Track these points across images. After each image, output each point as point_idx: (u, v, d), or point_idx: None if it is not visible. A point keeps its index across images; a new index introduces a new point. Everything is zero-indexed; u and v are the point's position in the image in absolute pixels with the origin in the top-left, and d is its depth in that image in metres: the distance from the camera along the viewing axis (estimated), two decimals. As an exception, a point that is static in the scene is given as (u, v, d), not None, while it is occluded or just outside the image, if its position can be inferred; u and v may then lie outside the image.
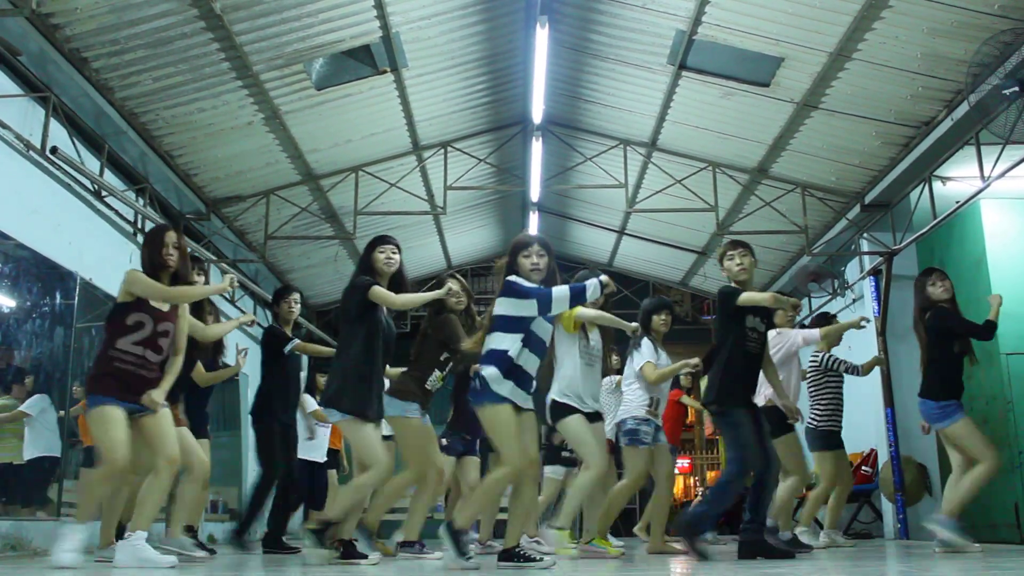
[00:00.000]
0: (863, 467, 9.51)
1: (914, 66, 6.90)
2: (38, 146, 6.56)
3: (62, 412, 6.85)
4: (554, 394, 5.30)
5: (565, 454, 6.94)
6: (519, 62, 8.95)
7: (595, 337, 5.44)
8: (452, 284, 5.37)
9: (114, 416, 4.26)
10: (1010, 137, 6.13)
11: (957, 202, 7.79)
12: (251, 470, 11.05)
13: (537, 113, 9.38)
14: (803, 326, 7.27)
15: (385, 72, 8.11)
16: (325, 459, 8.08)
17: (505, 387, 4.05)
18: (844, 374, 6.74)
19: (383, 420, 4.75)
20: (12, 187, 6.34)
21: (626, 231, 12.54)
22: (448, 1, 7.58)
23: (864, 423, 9.31)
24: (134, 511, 4.42)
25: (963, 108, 6.79)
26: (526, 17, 8.15)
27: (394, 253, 4.74)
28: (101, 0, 6.06)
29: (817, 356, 6.74)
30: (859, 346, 9.09)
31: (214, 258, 9.16)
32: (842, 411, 6.75)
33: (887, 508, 9.06)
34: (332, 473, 8.45)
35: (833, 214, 9.61)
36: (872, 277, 9.44)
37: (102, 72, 6.78)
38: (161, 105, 7.43)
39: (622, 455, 5.89)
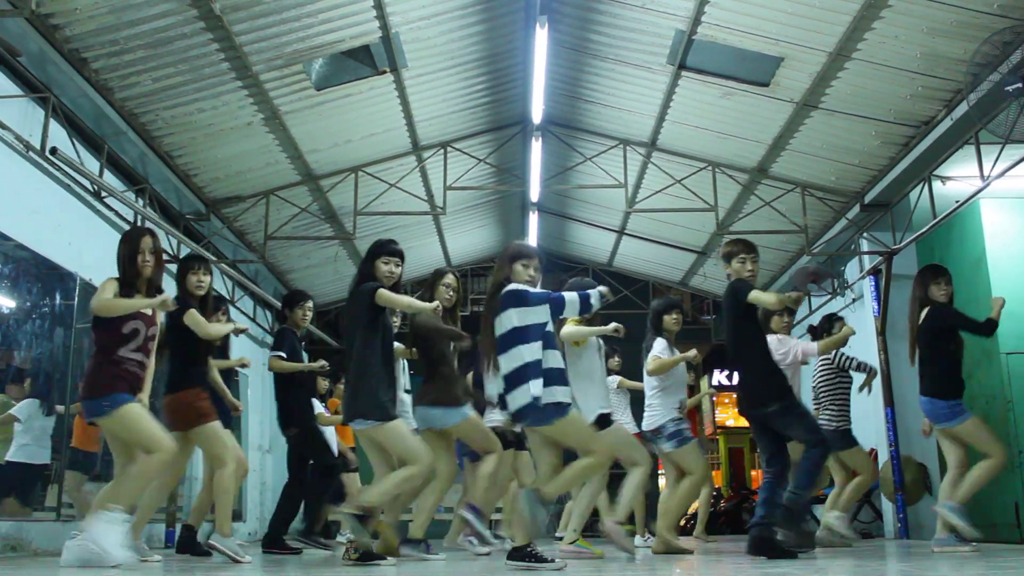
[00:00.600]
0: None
1: (914, 66, 6.90)
2: (38, 147, 6.56)
3: (61, 408, 6.84)
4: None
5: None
6: (519, 62, 8.95)
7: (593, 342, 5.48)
8: (449, 278, 5.41)
9: (143, 410, 4.41)
10: (1010, 136, 6.12)
11: (957, 202, 7.79)
12: (252, 470, 11.06)
13: (537, 113, 9.38)
14: (812, 327, 7.27)
15: (385, 72, 8.11)
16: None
17: (559, 393, 4.02)
18: (854, 373, 6.81)
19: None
20: (12, 188, 6.34)
21: (626, 231, 12.54)
22: (448, 1, 7.58)
23: (864, 423, 9.29)
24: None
25: (963, 107, 6.79)
26: (526, 17, 8.15)
27: (397, 267, 4.79)
28: (101, 1, 6.06)
29: (829, 355, 6.78)
30: (859, 346, 9.08)
31: (214, 258, 9.16)
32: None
33: (887, 507, 9.06)
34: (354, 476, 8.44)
35: (833, 214, 9.61)
36: (872, 277, 9.45)
37: (102, 73, 6.78)
38: (161, 105, 7.43)
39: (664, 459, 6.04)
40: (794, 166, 9.07)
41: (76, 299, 7.01)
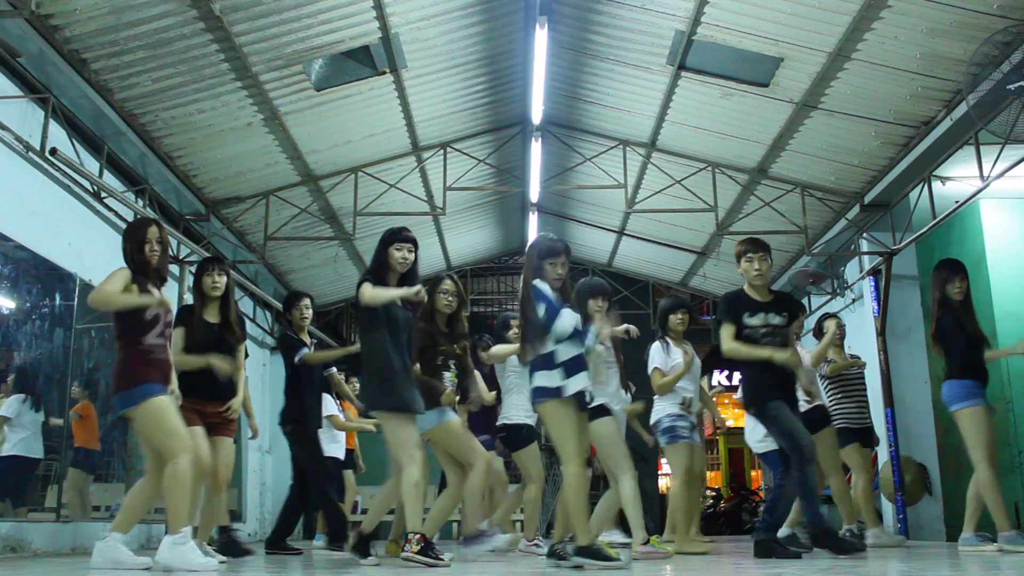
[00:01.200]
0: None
1: (913, 66, 6.91)
2: (37, 147, 6.56)
3: (59, 420, 6.83)
4: None
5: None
6: (518, 63, 8.95)
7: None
8: (447, 284, 5.26)
9: (171, 406, 4.32)
10: (1010, 136, 6.12)
11: (956, 202, 7.79)
12: (251, 471, 11.07)
13: (536, 114, 9.38)
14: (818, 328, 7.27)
15: (384, 73, 8.10)
16: (343, 458, 8.19)
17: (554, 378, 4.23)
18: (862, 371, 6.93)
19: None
20: (11, 188, 6.34)
21: (625, 231, 12.54)
22: (447, 2, 7.58)
23: (864, 423, 9.31)
24: (119, 512, 4.42)
25: (962, 108, 6.79)
26: (525, 18, 8.15)
27: (410, 252, 4.73)
28: (100, 1, 6.06)
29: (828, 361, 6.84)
30: (859, 346, 9.10)
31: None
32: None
33: (887, 508, 9.06)
34: (349, 473, 8.47)
35: (833, 214, 9.61)
36: (872, 277, 9.45)
37: (101, 73, 6.78)
38: (160, 106, 7.43)
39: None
40: (794, 166, 9.07)
41: (76, 300, 7.00)
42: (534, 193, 11.18)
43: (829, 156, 8.65)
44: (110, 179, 7.76)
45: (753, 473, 16.83)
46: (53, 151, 6.67)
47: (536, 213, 12.26)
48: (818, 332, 7.01)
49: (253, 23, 6.84)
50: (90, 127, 7.33)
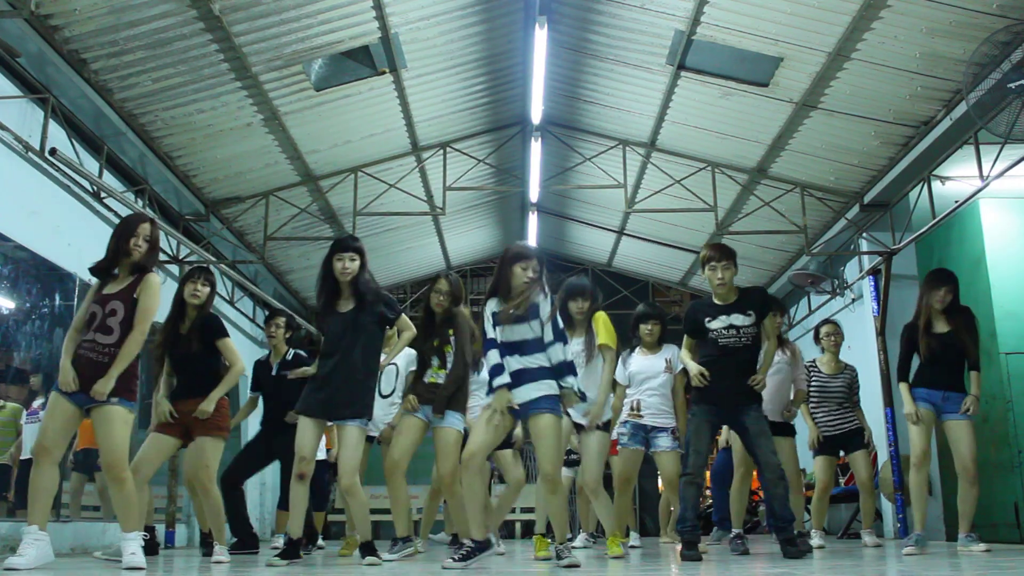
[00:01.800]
0: (855, 473, 9.50)
1: (913, 66, 6.91)
2: (37, 147, 6.56)
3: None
4: None
5: (572, 456, 7.04)
6: (518, 63, 8.95)
7: (574, 343, 5.48)
8: (440, 283, 5.44)
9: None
10: (1010, 135, 6.12)
11: (956, 201, 7.79)
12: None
13: (536, 113, 9.38)
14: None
15: (384, 73, 8.10)
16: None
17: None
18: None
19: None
20: (11, 188, 6.34)
21: (625, 231, 12.55)
22: (447, 2, 7.58)
23: (864, 423, 9.31)
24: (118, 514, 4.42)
25: (962, 107, 6.79)
26: (525, 18, 8.15)
27: (352, 261, 4.75)
28: (100, 1, 6.06)
29: (853, 372, 6.87)
30: (858, 346, 9.11)
31: (213, 259, 9.16)
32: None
33: (887, 508, 9.06)
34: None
35: (832, 214, 9.61)
36: (871, 277, 9.44)
37: (101, 73, 6.78)
38: (160, 106, 7.43)
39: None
40: (793, 166, 9.07)
41: (76, 300, 7.01)
42: (534, 193, 11.18)
43: (829, 156, 8.65)
44: (110, 179, 7.77)
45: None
46: (53, 151, 6.67)
47: (536, 213, 12.26)
48: (816, 338, 7.00)
49: (253, 23, 6.84)
50: (90, 127, 7.33)
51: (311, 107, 8.23)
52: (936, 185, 8.01)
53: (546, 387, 4.27)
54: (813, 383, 6.70)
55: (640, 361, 6.02)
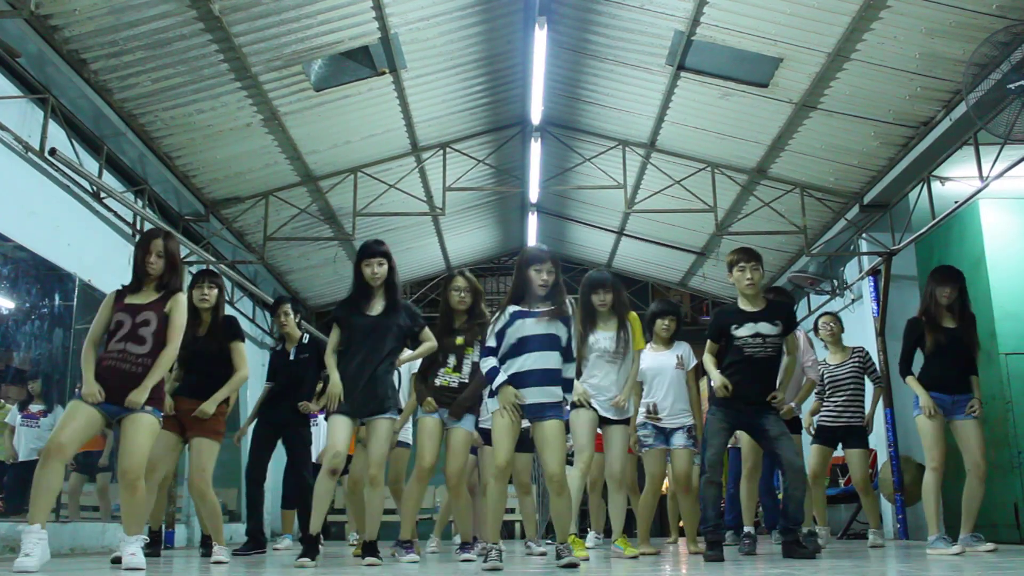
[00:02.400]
0: (851, 472, 9.50)
1: (912, 66, 6.91)
2: (37, 148, 6.56)
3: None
4: None
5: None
6: (518, 63, 8.95)
7: (603, 336, 5.47)
8: (459, 280, 5.43)
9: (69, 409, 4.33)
10: (1009, 136, 6.12)
11: (956, 202, 7.79)
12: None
13: (536, 114, 9.38)
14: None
15: (384, 73, 8.10)
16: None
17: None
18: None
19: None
20: (11, 189, 6.34)
21: (625, 232, 12.54)
22: (447, 2, 7.58)
23: (863, 423, 9.30)
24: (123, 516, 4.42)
25: (961, 108, 6.79)
26: (525, 18, 8.15)
27: (380, 266, 4.81)
28: (100, 1, 6.06)
29: (862, 353, 6.85)
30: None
31: (213, 259, 9.16)
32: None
33: (887, 508, 9.06)
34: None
35: (832, 214, 9.61)
36: (871, 277, 9.45)
37: (101, 73, 6.78)
38: (160, 106, 7.43)
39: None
40: (793, 167, 9.07)
41: (75, 300, 7.00)
42: (533, 193, 11.19)
43: (828, 156, 8.65)
44: (109, 179, 7.76)
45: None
46: (52, 151, 6.67)
47: (535, 213, 12.27)
48: (815, 330, 7.02)
49: (252, 23, 6.85)
50: (89, 127, 7.33)
51: (311, 107, 8.23)
52: (936, 185, 8.01)
53: (552, 394, 4.33)
54: (822, 376, 6.73)
55: (652, 357, 6.02)
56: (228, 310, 8.15)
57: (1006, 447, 7.87)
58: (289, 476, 7.47)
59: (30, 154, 6.53)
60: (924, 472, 8.73)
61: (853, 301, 10.22)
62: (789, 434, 5.17)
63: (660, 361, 6.01)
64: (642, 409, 5.96)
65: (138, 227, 8.21)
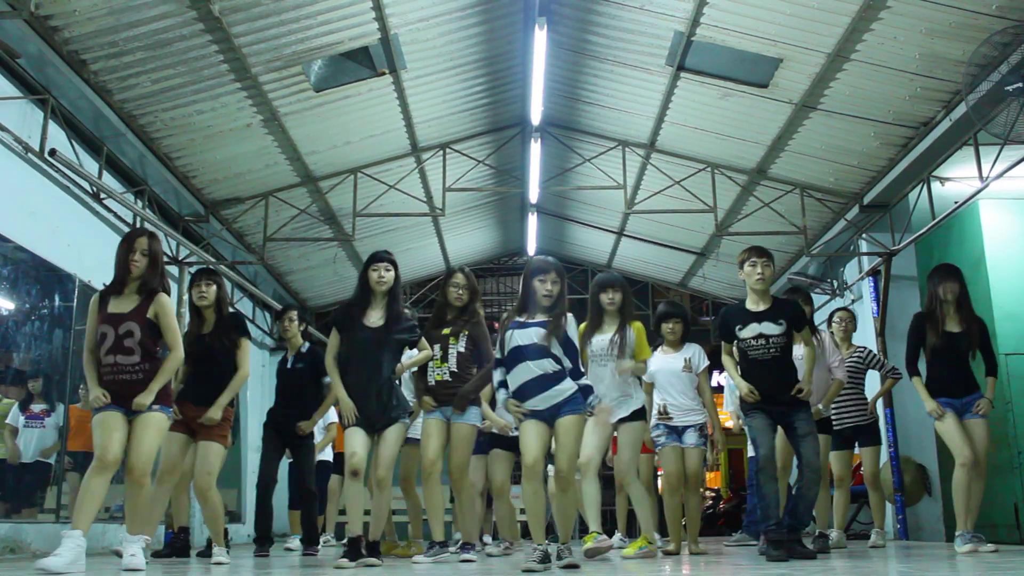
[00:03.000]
0: (862, 467, 9.51)
1: (912, 67, 6.91)
2: (37, 148, 6.56)
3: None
4: None
5: None
6: (518, 64, 8.95)
7: (599, 339, 5.47)
8: (458, 277, 5.54)
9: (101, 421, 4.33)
10: (1009, 137, 6.13)
11: (956, 202, 7.79)
12: (251, 471, 11.05)
13: (536, 114, 9.38)
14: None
15: (384, 74, 8.10)
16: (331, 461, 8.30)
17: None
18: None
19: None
20: (11, 189, 6.34)
21: (625, 232, 12.55)
22: (447, 3, 7.58)
23: (863, 423, 9.30)
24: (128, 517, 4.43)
25: (961, 108, 6.79)
26: (524, 19, 8.15)
27: (387, 271, 4.90)
28: (100, 2, 6.06)
29: (862, 351, 6.84)
30: (858, 347, 9.09)
31: (213, 260, 9.16)
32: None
33: (887, 508, 9.05)
34: (335, 478, 8.47)
35: (832, 215, 9.61)
36: (871, 277, 9.45)
37: (101, 74, 6.78)
38: (160, 107, 7.43)
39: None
40: (793, 167, 9.07)
41: (75, 301, 7.00)
42: (533, 194, 11.18)
43: (828, 157, 8.66)
44: (109, 180, 7.76)
45: (753, 474, 16.81)
46: (52, 152, 6.67)
47: (535, 214, 12.27)
48: (829, 324, 7.00)
49: (252, 24, 6.85)
50: (89, 128, 7.33)
51: (311, 108, 8.23)
52: (936, 186, 8.01)
53: (559, 393, 4.33)
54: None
55: (662, 359, 6.03)
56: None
57: (1006, 447, 7.87)
58: (294, 478, 7.55)
59: (30, 155, 6.53)
60: (923, 472, 8.83)
61: (853, 301, 10.21)
62: (816, 434, 5.13)
63: (668, 363, 6.02)
64: (654, 410, 5.97)
65: (138, 228, 8.22)
